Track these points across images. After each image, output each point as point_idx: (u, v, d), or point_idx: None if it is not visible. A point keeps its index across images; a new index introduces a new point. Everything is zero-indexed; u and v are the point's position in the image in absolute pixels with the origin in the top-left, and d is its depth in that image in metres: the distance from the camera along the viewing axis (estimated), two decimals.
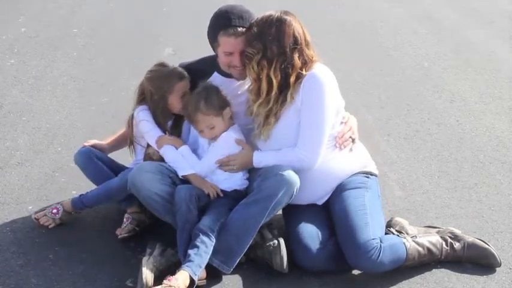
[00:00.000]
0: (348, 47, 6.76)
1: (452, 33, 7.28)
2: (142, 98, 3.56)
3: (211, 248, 3.16)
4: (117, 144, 3.84)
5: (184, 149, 3.41)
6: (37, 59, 6.25)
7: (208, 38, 3.49)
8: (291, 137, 3.32)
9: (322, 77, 3.30)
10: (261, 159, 3.34)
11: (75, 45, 6.67)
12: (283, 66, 3.24)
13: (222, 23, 3.37)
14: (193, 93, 3.42)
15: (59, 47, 6.60)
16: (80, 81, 5.77)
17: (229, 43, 3.37)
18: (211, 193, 3.33)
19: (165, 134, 3.51)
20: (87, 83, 5.72)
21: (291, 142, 3.33)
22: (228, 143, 3.38)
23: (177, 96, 3.49)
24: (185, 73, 3.54)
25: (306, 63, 3.29)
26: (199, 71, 3.56)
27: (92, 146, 3.74)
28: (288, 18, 3.30)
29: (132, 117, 3.60)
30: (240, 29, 3.35)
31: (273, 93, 3.26)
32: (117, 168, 3.69)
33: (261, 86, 3.27)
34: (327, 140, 3.34)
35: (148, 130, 3.50)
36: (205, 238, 3.15)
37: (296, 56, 3.26)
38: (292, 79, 3.26)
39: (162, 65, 3.58)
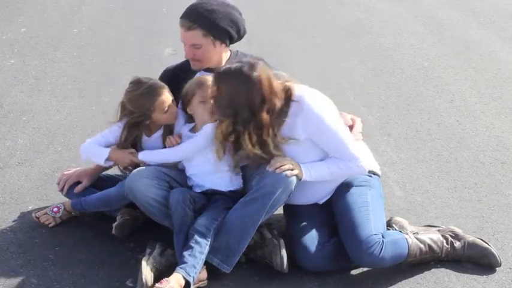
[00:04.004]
0: (348, 47, 6.76)
1: (452, 33, 7.28)
2: (124, 115, 3.52)
3: (207, 247, 3.16)
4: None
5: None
6: (37, 59, 6.25)
7: None
8: (298, 155, 3.29)
9: (312, 101, 3.24)
10: (311, 173, 3.29)
11: (75, 45, 6.67)
12: (256, 129, 3.16)
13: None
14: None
15: (59, 47, 6.60)
16: (80, 81, 5.77)
17: (181, 32, 3.49)
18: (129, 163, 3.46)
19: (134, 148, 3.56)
20: (87, 83, 5.72)
21: (301, 161, 3.30)
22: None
23: (160, 111, 3.45)
24: (163, 85, 3.48)
25: (278, 110, 3.19)
26: (185, 71, 3.59)
27: (76, 176, 3.71)
28: (255, 74, 3.13)
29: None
30: (187, 23, 3.45)
31: (256, 151, 3.18)
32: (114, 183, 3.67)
33: (243, 141, 3.18)
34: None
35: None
36: (200, 238, 3.15)
37: (264, 114, 3.15)
38: (265, 137, 3.17)
39: (138, 82, 3.48)
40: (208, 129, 3.34)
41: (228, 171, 3.40)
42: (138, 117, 3.47)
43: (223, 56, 3.58)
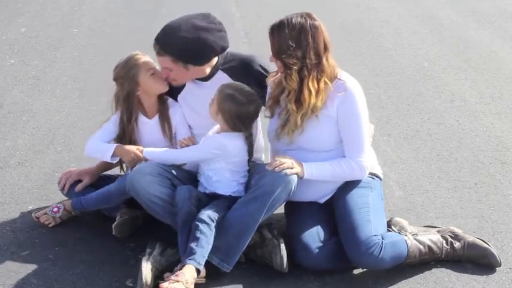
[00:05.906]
0: (348, 47, 6.76)
1: (452, 33, 7.28)
2: (117, 101, 3.61)
3: (212, 237, 3.17)
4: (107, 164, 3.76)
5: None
6: (37, 59, 6.25)
7: None
8: (314, 141, 3.35)
9: (357, 89, 3.37)
10: (312, 172, 3.31)
11: (75, 45, 6.68)
12: (318, 74, 3.27)
13: None
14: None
15: (59, 47, 6.60)
16: (80, 81, 5.77)
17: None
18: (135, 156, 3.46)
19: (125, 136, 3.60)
20: (87, 83, 5.72)
21: (313, 146, 3.35)
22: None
23: (147, 74, 3.53)
24: (143, 53, 3.61)
25: (334, 68, 3.33)
26: None
27: (77, 174, 3.72)
28: (319, 23, 3.32)
29: None
30: (157, 48, 3.44)
31: (312, 102, 3.26)
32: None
33: (303, 95, 3.26)
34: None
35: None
36: (205, 228, 3.16)
37: (326, 62, 3.29)
38: (321, 85, 3.27)
39: (120, 60, 3.64)
40: (210, 140, 3.37)
41: (233, 181, 3.40)
42: (127, 87, 3.54)
43: (206, 69, 3.53)
